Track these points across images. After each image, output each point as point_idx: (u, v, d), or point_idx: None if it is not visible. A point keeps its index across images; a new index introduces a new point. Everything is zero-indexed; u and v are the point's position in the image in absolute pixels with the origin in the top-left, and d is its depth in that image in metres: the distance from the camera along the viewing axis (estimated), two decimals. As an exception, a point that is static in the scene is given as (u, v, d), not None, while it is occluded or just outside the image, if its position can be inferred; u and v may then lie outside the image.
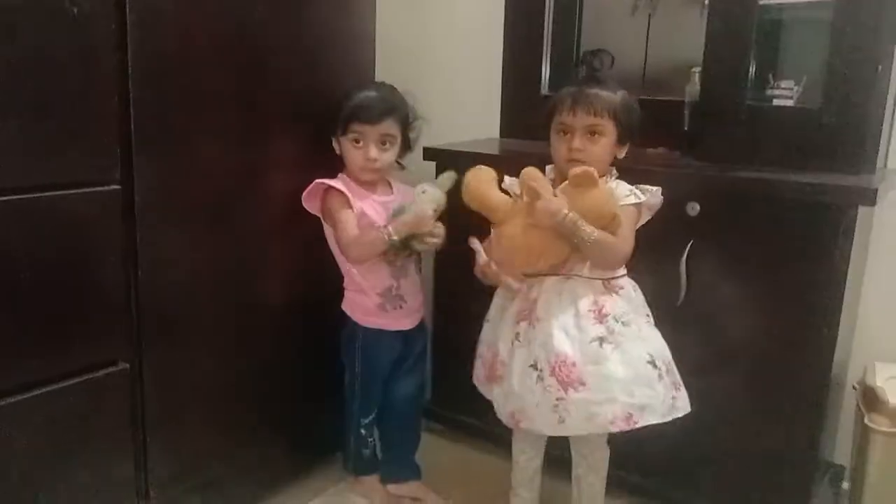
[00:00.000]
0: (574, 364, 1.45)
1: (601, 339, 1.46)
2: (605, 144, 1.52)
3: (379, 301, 1.74)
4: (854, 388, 1.76)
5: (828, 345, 1.57)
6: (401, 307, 1.77)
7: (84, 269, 1.34)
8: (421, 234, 1.66)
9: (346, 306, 1.79)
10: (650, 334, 1.52)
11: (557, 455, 1.73)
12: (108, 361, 1.40)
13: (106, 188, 1.35)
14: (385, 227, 1.65)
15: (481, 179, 1.53)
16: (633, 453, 1.71)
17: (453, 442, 2.13)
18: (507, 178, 1.60)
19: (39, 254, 1.27)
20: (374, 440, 1.87)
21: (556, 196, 1.45)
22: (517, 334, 1.54)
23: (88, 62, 1.28)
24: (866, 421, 1.64)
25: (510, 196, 1.55)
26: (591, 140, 1.51)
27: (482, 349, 1.66)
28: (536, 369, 1.49)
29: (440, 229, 1.69)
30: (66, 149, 1.28)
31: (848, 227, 1.52)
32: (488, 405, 1.62)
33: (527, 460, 1.72)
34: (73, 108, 1.27)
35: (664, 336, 1.53)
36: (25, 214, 1.24)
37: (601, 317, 1.48)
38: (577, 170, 1.44)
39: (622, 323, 1.48)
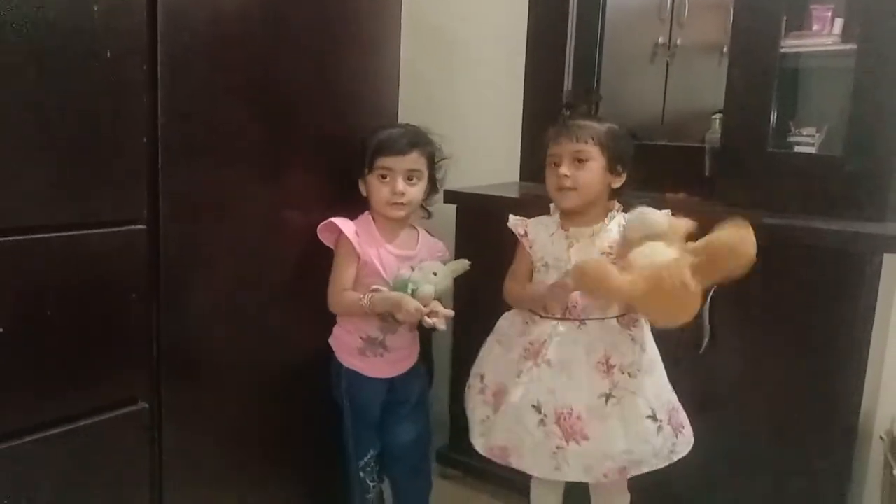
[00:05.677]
0: (579, 417, 1.46)
1: (606, 396, 1.47)
2: (594, 169, 1.53)
3: (360, 344, 1.71)
4: (882, 438, 1.73)
5: (853, 394, 1.56)
6: (381, 355, 1.72)
7: (108, 308, 1.34)
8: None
9: (332, 340, 1.76)
10: (654, 381, 1.51)
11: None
12: (127, 400, 1.40)
13: (132, 227, 1.36)
14: (369, 294, 1.64)
15: (601, 267, 1.40)
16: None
17: (470, 489, 2.09)
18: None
19: (65, 291, 1.27)
20: (376, 484, 1.80)
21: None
22: (520, 372, 1.53)
23: (119, 103, 1.30)
24: (895, 472, 1.60)
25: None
26: (579, 166, 1.53)
27: (482, 371, 1.64)
28: (539, 413, 1.49)
29: (439, 318, 1.59)
30: (93, 188, 1.29)
31: (873, 275, 1.51)
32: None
33: (547, 507, 1.69)
34: (103, 148, 1.29)
35: (687, 386, 1.52)
36: (52, 253, 1.25)
37: (608, 369, 1.48)
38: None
39: (628, 374, 1.49)
